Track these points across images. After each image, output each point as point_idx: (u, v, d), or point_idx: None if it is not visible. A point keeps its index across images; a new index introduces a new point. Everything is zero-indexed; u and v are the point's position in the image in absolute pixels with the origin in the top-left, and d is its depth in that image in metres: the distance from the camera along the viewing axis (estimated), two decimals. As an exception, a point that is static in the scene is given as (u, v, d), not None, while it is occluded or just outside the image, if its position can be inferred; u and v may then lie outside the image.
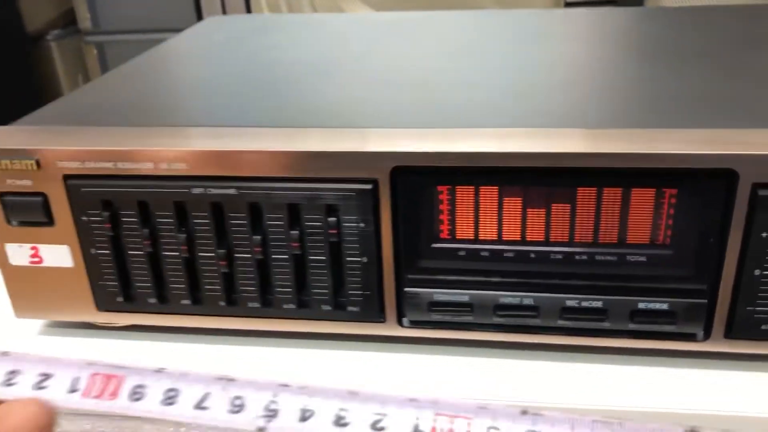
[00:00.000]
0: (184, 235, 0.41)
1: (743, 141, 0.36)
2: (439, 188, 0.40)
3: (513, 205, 0.40)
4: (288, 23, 0.70)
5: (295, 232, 0.39)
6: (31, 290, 0.44)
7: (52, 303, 0.45)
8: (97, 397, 0.29)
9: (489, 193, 0.40)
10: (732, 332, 0.39)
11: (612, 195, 0.39)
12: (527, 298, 0.40)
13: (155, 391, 0.29)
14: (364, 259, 0.40)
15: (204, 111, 0.46)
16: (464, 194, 0.40)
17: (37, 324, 0.47)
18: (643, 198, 0.39)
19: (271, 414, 0.28)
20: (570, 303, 0.40)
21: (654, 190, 0.38)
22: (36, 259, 0.43)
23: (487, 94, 0.46)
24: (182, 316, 0.43)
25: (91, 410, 0.29)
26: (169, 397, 0.29)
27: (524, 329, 0.41)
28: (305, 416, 0.28)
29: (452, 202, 0.40)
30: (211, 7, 1.75)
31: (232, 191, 0.39)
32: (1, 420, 0.28)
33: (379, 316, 0.42)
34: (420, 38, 0.62)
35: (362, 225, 0.39)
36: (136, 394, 0.29)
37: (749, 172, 0.35)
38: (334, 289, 0.41)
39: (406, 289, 0.41)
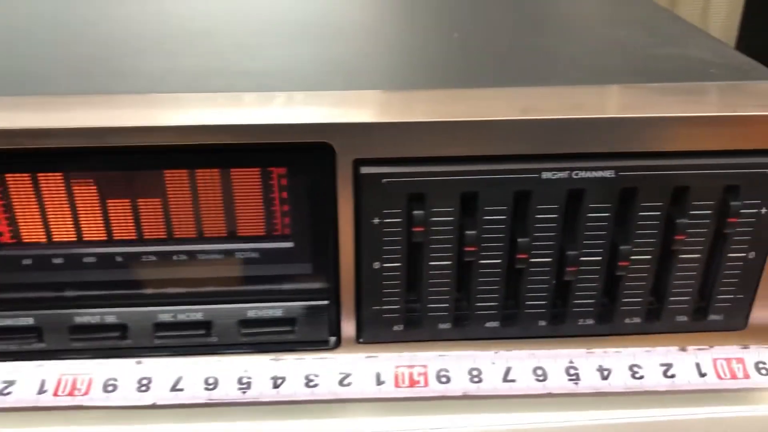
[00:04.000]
0: None
1: (341, 107, 0.29)
2: (-17, 178, 0.30)
3: (87, 196, 0.31)
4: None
5: None
6: None
7: None
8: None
9: (53, 183, 0.30)
10: (364, 336, 0.33)
11: (210, 179, 0.31)
12: (110, 315, 0.31)
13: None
14: None
15: None
16: (19, 185, 0.30)
17: None
18: (246, 180, 0.31)
19: None
20: (164, 317, 0.32)
21: (258, 169, 0.31)
22: None
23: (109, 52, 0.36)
24: None
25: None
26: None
27: (111, 353, 0.32)
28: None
29: (6, 196, 0.30)
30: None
31: None
32: None
33: None
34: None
35: None
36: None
37: (347, 146, 0.28)
38: None
39: (-51, 314, 0.31)
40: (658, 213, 0.30)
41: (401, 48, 0.37)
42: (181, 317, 0.31)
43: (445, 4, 0.47)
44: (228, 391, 0.31)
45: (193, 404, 0.31)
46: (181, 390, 0.31)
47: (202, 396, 0.31)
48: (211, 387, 0.31)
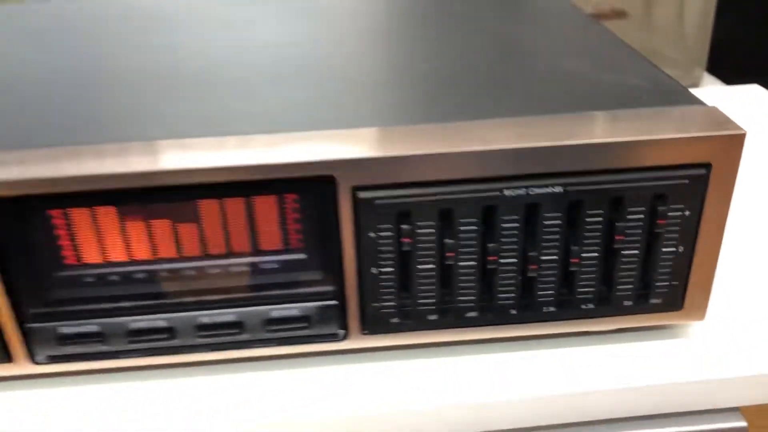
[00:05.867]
0: None
1: (339, 144, 0.36)
2: (51, 212, 0.37)
3: (135, 224, 0.38)
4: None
5: None
6: None
7: None
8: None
9: (107, 215, 0.37)
10: (367, 328, 0.40)
11: (236, 206, 0.38)
12: (159, 320, 0.38)
13: None
14: (-31, 301, 0.36)
15: None
16: (81, 217, 0.37)
17: None
18: (267, 206, 0.38)
19: None
20: (204, 320, 0.39)
21: (275, 197, 0.38)
22: None
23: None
24: None
25: None
26: None
27: (162, 351, 0.39)
28: None
29: (69, 227, 0.37)
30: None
31: None
32: None
33: (4, 357, 0.38)
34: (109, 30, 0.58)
35: (-46, 265, 0.35)
36: None
37: (347, 176, 0.35)
38: (-53, 335, 0.37)
39: (30, 324, 0.38)
40: (601, 219, 0.37)
41: (382, 86, 0.44)
42: (218, 319, 0.38)
43: (418, 35, 0.53)
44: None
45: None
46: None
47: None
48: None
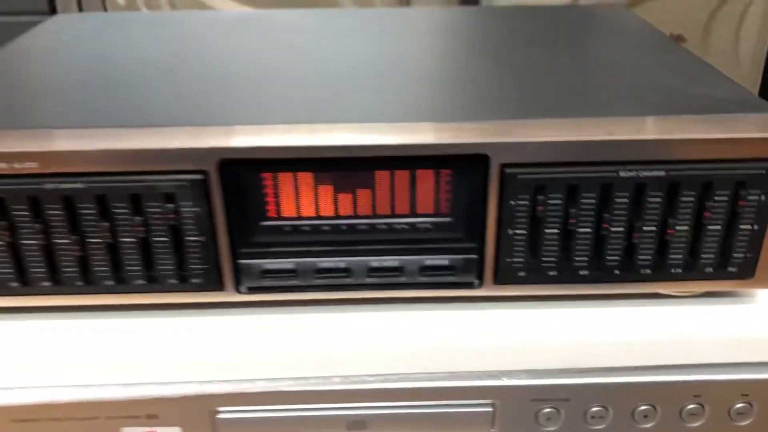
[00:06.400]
0: (40, 225, 0.46)
1: (493, 131, 0.46)
2: (263, 175, 0.48)
3: (325, 188, 0.48)
4: (139, 22, 0.75)
5: (139, 218, 0.46)
6: None
7: None
8: None
9: (305, 179, 0.48)
10: (499, 279, 0.50)
11: (402, 176, 0.48)
12: (341, 262, 0.49)
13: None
14: (202, 239, 0.47)
15: (51, 113, 0.51)
16: (285, 180, 0.48)
17: None
18: (426, 178, 0.48)
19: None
20: (374, 263, 0.49)
21: (433, 171, 0.48)
22: None
23: (303, 93, 0.54)
24: (43, 296, 0.49)
25: None
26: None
27: (340, 287, 0.50)
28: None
29: (275, 187, 0.48)
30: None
31: (79, 185, 0.45)
32: None
33: (219, 286, 0.49)
34: (270, 36, 0.69)
35: (196, 209, 0.46)
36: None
37: (498, 156, 0.46)
38: (179, 265, 0.48)
39: (240, 261, 0.49)
40: (693, 199, 0.47)
41: (516, 94, 0.55)
42: (385, 264, 0.49)
43: (533, 58, 0.64)
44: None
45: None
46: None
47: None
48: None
